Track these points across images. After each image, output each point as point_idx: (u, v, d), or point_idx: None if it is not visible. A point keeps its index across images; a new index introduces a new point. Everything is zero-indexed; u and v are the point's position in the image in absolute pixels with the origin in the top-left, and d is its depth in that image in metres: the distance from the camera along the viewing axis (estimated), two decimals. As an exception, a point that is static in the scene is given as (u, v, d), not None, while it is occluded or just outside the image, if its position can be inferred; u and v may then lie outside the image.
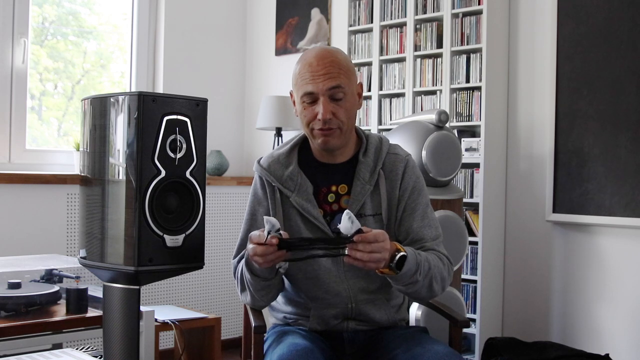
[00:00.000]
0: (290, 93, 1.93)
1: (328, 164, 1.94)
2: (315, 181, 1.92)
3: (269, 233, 1.64)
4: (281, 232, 1.66)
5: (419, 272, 1.74)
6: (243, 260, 1.82)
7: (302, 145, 1.98)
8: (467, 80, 3.39)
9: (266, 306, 1.97)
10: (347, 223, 1.62)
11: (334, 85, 1.82)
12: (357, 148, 1.96)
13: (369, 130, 3.44)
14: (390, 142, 1.99)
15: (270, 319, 2.08)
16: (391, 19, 3.70)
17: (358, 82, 1.93)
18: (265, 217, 1.65)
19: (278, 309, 2.02)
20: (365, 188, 1.89)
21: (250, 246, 1.67)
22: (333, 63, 1.83)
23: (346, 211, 1.63)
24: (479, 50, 3.35)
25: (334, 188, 1.92)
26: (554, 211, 3.21)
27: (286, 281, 1.96)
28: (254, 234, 1.68)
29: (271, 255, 1.65)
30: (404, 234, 1.90)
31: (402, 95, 3.65)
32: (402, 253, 1.70)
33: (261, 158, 1.98)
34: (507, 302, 3.43)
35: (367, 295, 1.90)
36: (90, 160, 1.74)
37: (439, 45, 3.51)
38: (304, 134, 1.94)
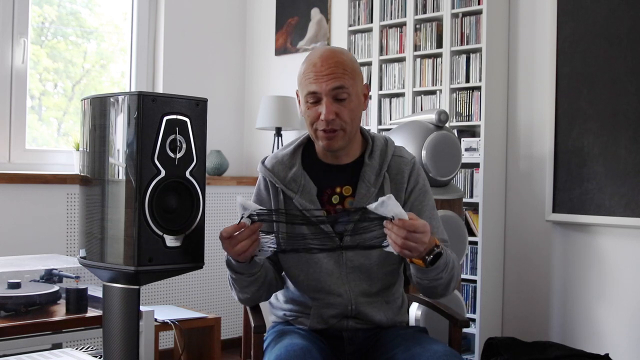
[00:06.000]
0: (296, 92, 1.93)
1: (332, 165, 1.93)
2: (319, 182, 1.91)
3: (242, 217, 1.65)
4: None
5: (446, 270, 1.74)
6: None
7: (306, 145, 1.97)
8: (467, 80, 3.39)
9: (256, 303, 1.97)
10: (379, 205, 1.59)
11: (337, 86, 1.81)
12: (362, 149, 1.95)
13: (369, 129, 3.43)
14: (395, 144, 1.99)
15: (271, 316, 2.08)
16: (391, 19, 3.70)
17: (364, 82, 1.92)
18: (239, 200, 1.65)
19: (278, 307, 2.02)
20: (370, 191, 1.88)
21: (227, 241, 1.68)
22: (337, 63, 1.82)
23: (389, 195, 1.60)
24: (478, 50, 3.35)
25: (338, 189, 1.91)
26: (554, 211, 3.21)
27: (288, 281, 1.96)
28: (227, 229, 1.69)
29: (245, 240, 1.66)
30: None
31: (402, 95, 3.65)
32: (439, 250, 1.69)
33: (266, 158, 1.98)
34: (507, 302, 3.43)
35: (367, 297, 1.90)
36: (90, 160, 1.74)
37: (439, 45, 3.51)
38: (308, 134, 1.94)
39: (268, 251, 1.73)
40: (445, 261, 1.72)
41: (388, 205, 1.59)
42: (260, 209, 1.69)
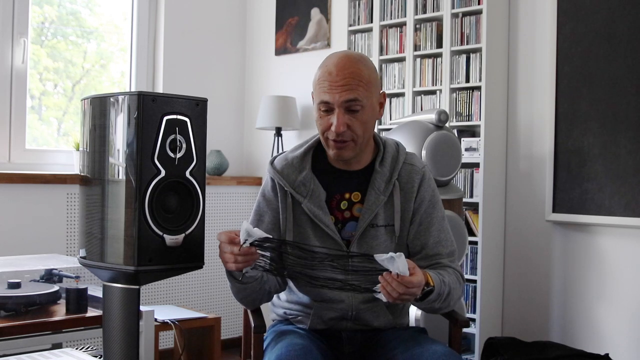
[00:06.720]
0: (312, 94, 1.90)
1: (342, 170, 1.91)
2: (328, 187, 1.89)
3: (245, 241, 1.64)
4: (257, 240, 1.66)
5: (439, 300, 1.76)
6: None
7: (316, 148, 1.95)
8: (467, 80, 3.39)
9: (254, 307, 1.97)
10: (387, 259, 1.59)
11: (350, 98, 1.77)
12: (374, 155, 1.93)
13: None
14: (406, 150, 1.97)
15: (271, 314, 2.08)
16: (391, 19, 3.70)
17: (381, 91, 1.89)
18: (244, 225, 1.64)
19: (279, 305, 2.02)
20: (379, 198, 1.87)
21: (223, 246, 1.67)
22: (353, 74, 1.77)
23: (399, 253, 1.60)
24: (478, 50, 3.35)
25: (347, 195, 1.89)
26: (554, 211, 3.21)
27: (290, 282, 1.95)
28: (227, 234, 1.67)
29: (235, 256, 1.66)
30: (419, 248, 1.90)
31: (402, 95, 3.65)
32: (430, 287, 1.70)
33: (275, 159, 1.95)
34: (507, 302, 3.43)
35: (368, 304, 1.90)
36: (90, 160, 1.74)
37: (439, 45, 3.51)
38: (319, 138, 1.91)
39: (258, 270, 1.73)
40: (437, 294, 1.73)
41: (395, 263, 1.59)
42: (266, 237, 1.67)
